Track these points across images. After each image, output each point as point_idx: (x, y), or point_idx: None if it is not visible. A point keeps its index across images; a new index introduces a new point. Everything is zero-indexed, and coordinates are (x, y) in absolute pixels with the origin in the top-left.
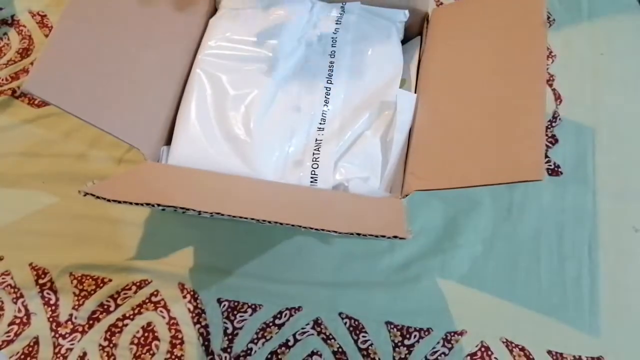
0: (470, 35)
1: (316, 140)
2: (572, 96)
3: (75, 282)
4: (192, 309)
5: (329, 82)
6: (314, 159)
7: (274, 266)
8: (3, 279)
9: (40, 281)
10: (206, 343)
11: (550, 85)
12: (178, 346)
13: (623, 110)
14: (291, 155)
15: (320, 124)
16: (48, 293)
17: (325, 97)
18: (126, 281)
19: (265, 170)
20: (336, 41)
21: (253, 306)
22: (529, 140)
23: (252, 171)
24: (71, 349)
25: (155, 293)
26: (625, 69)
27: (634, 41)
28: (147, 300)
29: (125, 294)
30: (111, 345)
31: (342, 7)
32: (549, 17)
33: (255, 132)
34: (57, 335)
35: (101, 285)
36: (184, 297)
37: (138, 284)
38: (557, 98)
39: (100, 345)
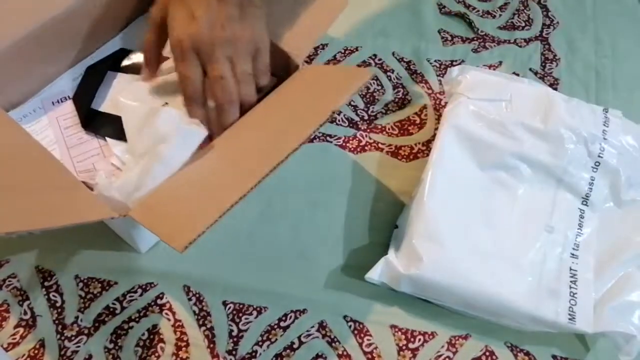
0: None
1: (570, 269)
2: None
3: (81, 284)
4: (197, 311)
5: (585, 203)
6: (572, 294)
7: (279, 268)
8: (9, 281)
9: (46, 283)
10: (211, 345)
11: (556, 89)
12: (183, 348)
13: (626, 113)
14: (545, 283)
15: (574, 250)
16: (54, 295)
17: (580, 221)
18: (132, 284)
19: (516, 291)
20: (603, 152)
21: (258, 308)
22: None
23: (501, 291)
24: (77, 352)
25: (160, 296)
26: (628, 71)
27: (638, 43)
28: (152, 303)
29: (131, 296)
30: (117, 347)
31: (604, 111)
32: (552, 20)
33: (506, 250)
34: (62, 338)
35: (107, 288)
36: (190, 299)
37: (144, 286)
38: None
39: (105, 347)
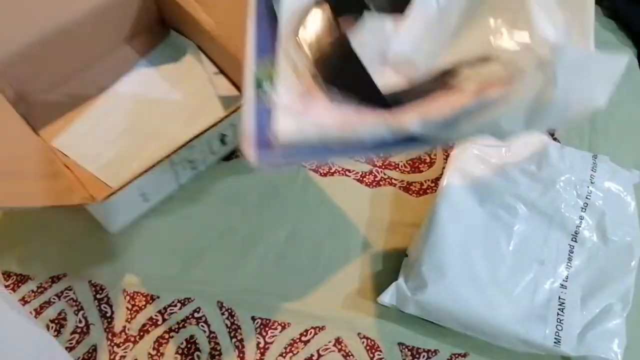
0: None
1: (559, 298)
2: (572, 145)
3: (128, 298)
4: (229, 324)
5: (574, 239)
6: (559, 320)
7: (302, 289)
8: (66, 293)
9: (98, 296)
10: (241, 355)
11: (552, 135)
12: (217, 357)
13: (615, 157)
14: (535, 310)
15: (564, 281)
16: (105, 307)
17: (569, 255)
18: (172, 299)
19: (509, 316)
20: (591, 194)
21: (283, 324)
22: None
23: (496, 316)
24: (124, 357)
25: (197, 310)
26: (619, 118)
27: (630, 92)
28: (190, 316)
29: (171, 310)
30: (159, 354)
31: (594, 157)
32: None
33: (502, 279)
34: (112, 344)
35: (150, 301)
36: (222, 314)
37: (182, 301)
38: None
39: (149, 353)
